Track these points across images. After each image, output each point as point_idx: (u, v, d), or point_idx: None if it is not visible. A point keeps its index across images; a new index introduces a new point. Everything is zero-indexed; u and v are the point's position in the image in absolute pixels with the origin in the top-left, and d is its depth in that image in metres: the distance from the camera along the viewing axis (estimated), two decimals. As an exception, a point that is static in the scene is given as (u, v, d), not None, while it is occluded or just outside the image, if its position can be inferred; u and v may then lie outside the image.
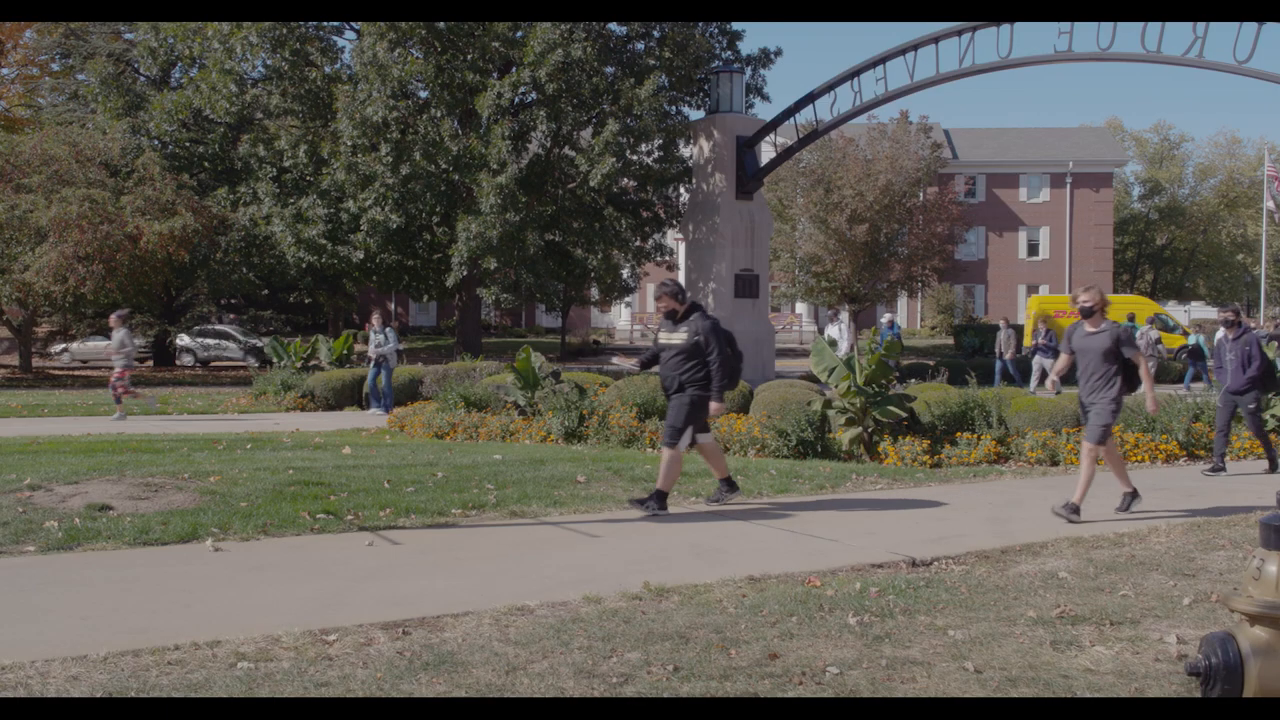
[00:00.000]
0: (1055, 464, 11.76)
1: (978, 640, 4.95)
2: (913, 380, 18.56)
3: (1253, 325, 23.13)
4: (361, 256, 24.83)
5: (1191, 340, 27.17)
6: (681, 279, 25.61)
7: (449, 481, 9.25)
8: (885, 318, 21.10)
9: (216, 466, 9.76)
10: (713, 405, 8.35)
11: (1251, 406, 11.20)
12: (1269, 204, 40.05)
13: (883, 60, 18.28)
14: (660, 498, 8.27)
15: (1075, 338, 8.43)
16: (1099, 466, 8.49)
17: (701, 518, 8.22)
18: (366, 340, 19.26)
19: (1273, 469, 11.24)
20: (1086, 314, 8.30)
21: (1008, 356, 24.93)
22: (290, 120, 25.56)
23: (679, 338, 8.45)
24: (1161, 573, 6.38)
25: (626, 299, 40.37)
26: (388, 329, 18.32)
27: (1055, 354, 21.96)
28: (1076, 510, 8.04)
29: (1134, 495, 8.55)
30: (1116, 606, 5.57)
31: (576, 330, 49.67)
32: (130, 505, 7.86)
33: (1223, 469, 11.07)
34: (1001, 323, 26.15)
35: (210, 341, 36.85)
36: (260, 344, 33.18)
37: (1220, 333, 11.64)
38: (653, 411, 13.60)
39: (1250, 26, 14.05)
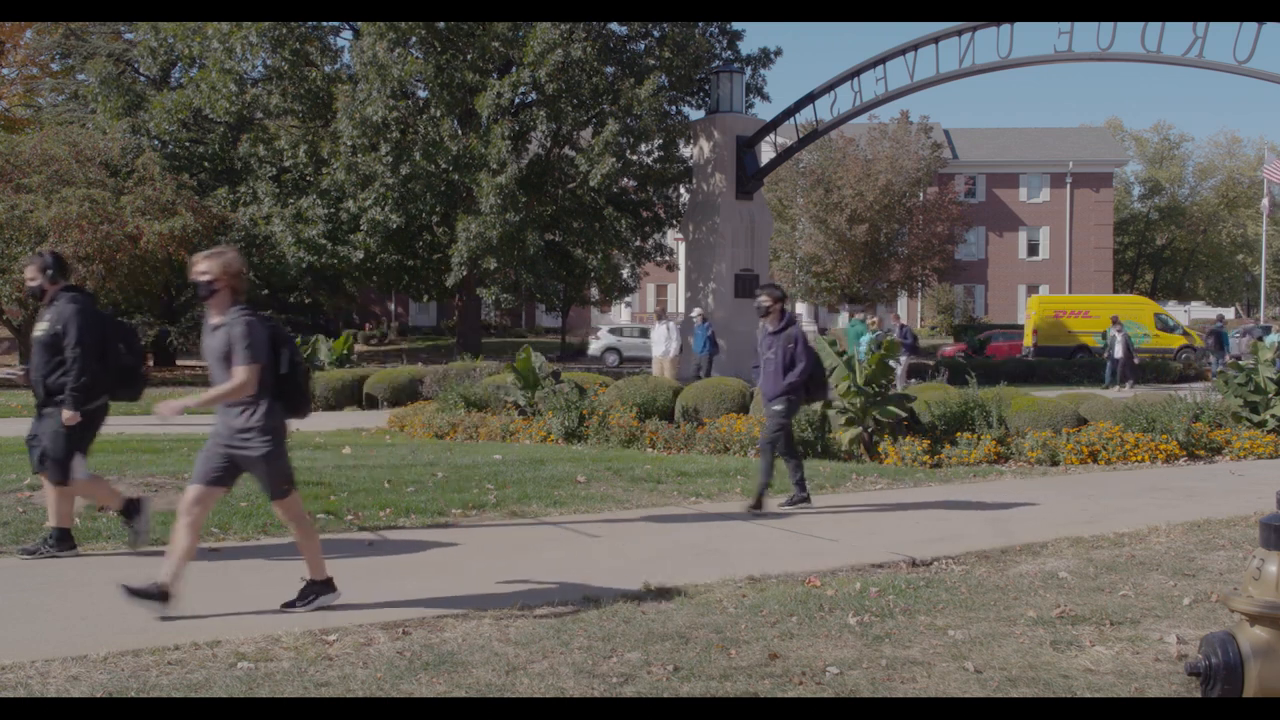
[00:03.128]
0: (1055, 464, 11.76)
1: (978, 640, 4.95)
2: (913, 380, 18.57)
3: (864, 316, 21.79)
4: (361, 256, 24.82)
5: (1214, 329, 27.06)
6: (681, 279, 25.62)
7: (449, 481, 9.25)
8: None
9: (216, 466, 9.73)
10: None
11: (779, 408, 8.58)
12: (1265, 202, 40.09)
13: (883, 60, 18.29)
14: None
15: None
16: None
17: (702, 518, 8.21)
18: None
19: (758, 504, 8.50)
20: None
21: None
22: (290, 120, 25.55)
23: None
24: (1161, 573, 6.38)
25: (626, 299, 40.35)
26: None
27: (910, 350, 21.34)
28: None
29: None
30: (1116, 606, 5.57)
31: (576, 330, 49.66)
32: (130, 505, 7.85)
33: (803, 498, 8.63)
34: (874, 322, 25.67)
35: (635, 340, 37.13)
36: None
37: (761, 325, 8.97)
38: (653, 411, 13.60)
39: (1250, 26, 14.06)
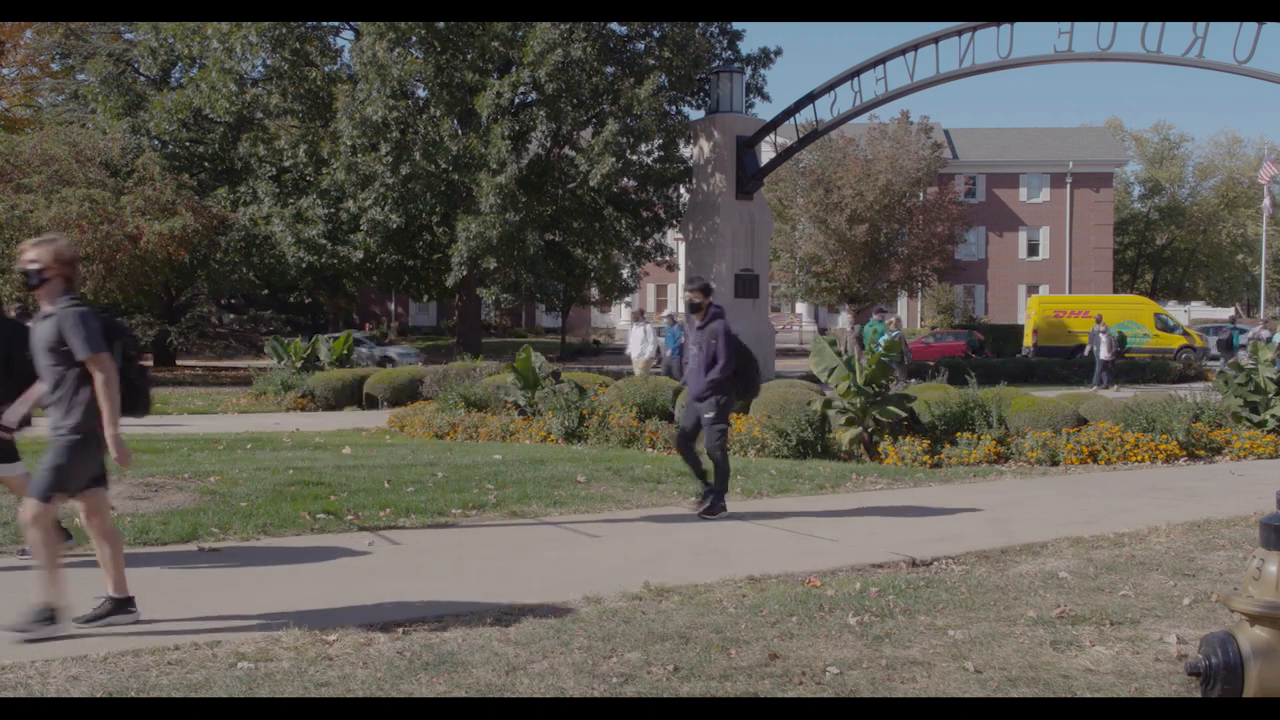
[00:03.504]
0: (1055, 464, 11.75)
1: (978, 640, 4.95)
2: (913, 380, 18.56)
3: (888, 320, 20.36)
4: (361, 256, 24.82)
5: (1226, 330, 26.97)
6: (681, 279, 25.53)
7: (449, 481, 9.25)
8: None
9: (216, 466, 9.76)
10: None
11: (709, 415, 8.16)
12: (1266, 202, 40.07)
13: (883, 60, 18.29)
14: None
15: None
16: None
17: (701, 518, 8.21)
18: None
19: (712, 508, 8.19)
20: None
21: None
22: (290, 120, 25.54)
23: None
24: (1161, 573, 6.38)
25: (626, 299, 40.35)
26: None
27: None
28: None
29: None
30: (1116, 606, 5.57)
31: (576, 330, 49.67)
32: (130, 505, 7.87)
33: (713, 510, 8.12)
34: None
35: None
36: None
37: (684, 320, 8.48)
38: (653, 411, 13.60)
39: (1250, 26, 14.06)
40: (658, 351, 19.25)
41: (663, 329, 19.94)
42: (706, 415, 8.20)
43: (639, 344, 19.17)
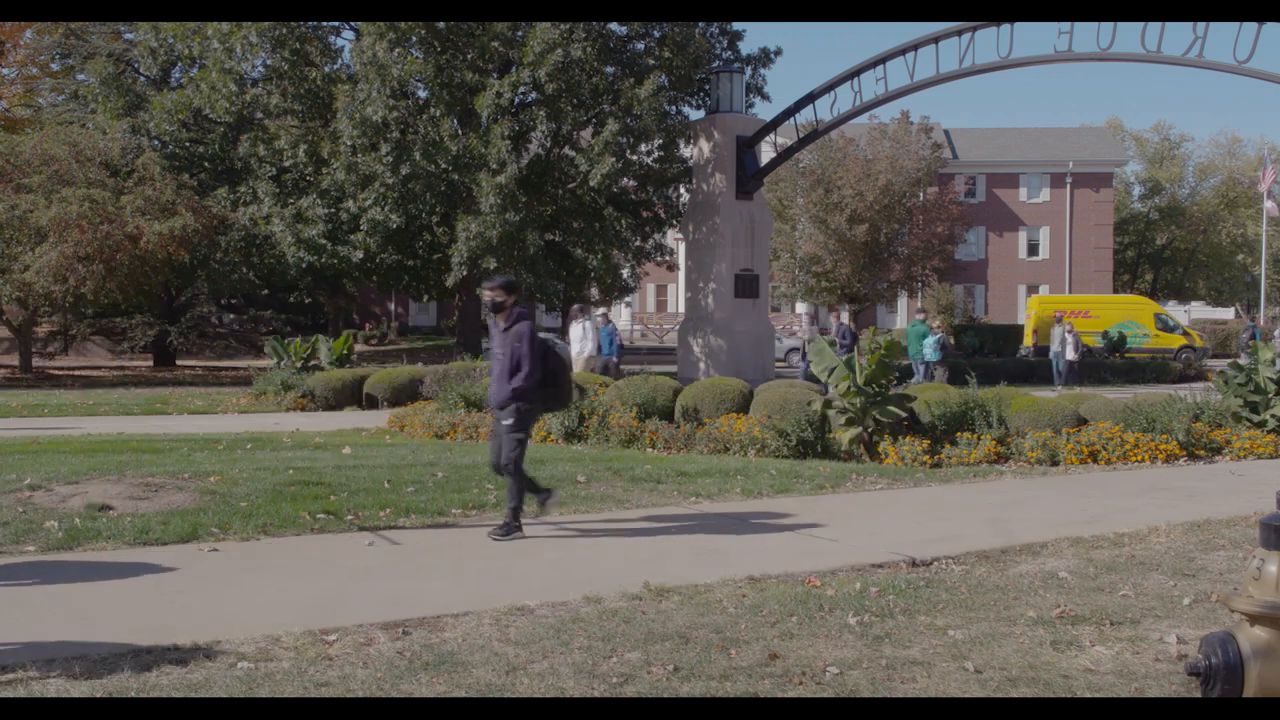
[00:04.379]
0: (1055, 464, 11.75)
1: (978, 640, 4.95)
2: (912, 380, 18.56)
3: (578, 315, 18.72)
4: (361, 256, 24.82)
5: (1248, 328, 26.86)
6: (681, 279, 25.45)
7: (449, 481, 9.25)
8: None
9: (216, 466, 9.76)
10: None
11: (508, 423, 7.40)
12: (1268, 204, 40.05)
13: (883, 60, 18.28)
14: None
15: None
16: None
17: (701, 518, 8.21)
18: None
19: (505, 528, 7.38)
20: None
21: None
22: (290, 120, 25.54)
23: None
24: (1161, 573, 6.38)
25: (626, 299, 40.34)
26: None
27: (848, 351, 19.86)
28: None
29: None
30: (1116, 606, 5.57)
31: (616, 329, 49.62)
32: (130, 505, 7.87)
33: (515, 529, 7.37)
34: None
35: None
36: None
37: (491, 322, 7.78)
38: (653, 411, 13.60)
39: (1250, 26, 14.06)
40: (598, 350, 18.62)
41: (599, 327, 19.35)
42: (505, 422, 7.41)
43: (578, 341, 18.44)
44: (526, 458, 7.68)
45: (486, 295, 7.60)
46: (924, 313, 20.68)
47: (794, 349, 33.10)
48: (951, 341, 23.58)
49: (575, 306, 19.23)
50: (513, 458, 7.40)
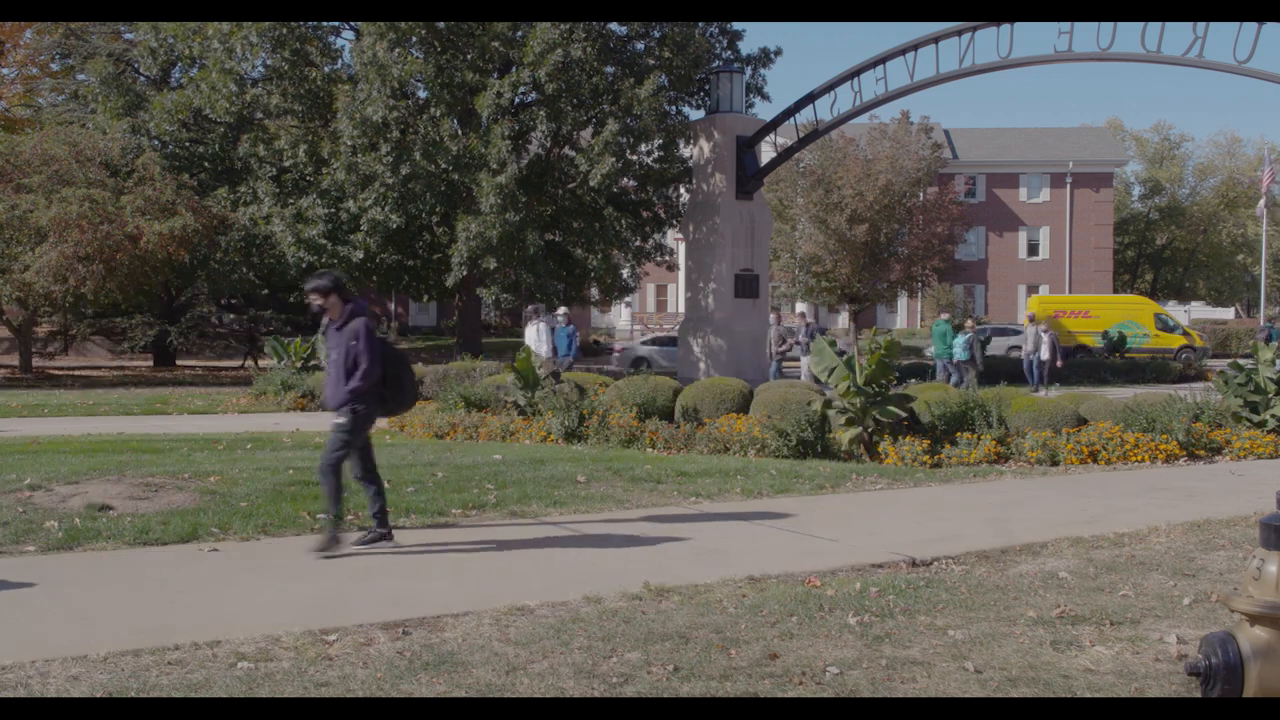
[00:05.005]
0: (1055, 464, 11.75)
1: (978, 640, 4.95)
2: (913, 380, 18.54)
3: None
4: (361, 256, 24.81)
5: (1264, 329, 26.75)
6: (681, 279, 25.38)
7: (449, 481, 9.25)
8: (968, 320, 20.01)
9: (216, 466, 9.76)
10: None
11: (341, 422, 6.90)
12: (1261, 204, 40.10)
13: (883, 60, 18.29)
14: None
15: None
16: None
17: (702, 518, 8.22)
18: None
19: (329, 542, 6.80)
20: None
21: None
22: (290, 120, 25.54)
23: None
24: (1161, 573, 6.38)
25: (626, 299, 40.33)
26: None
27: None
28: None
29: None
30: (1116, 606, 5.57)
31: (577, 330, 49.65)
32: (130, 505, 7.87)
33: (384, 535, 7.02)
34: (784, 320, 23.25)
35: None
36: None
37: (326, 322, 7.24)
38: (653, 411, 13.60)
39: (1250, 26, 14.06)
40: (556, 352, 17.92)
41: (556, 328, 18.79)
42: (337, 421, 6.90)
43: (533, 343, 17.69)
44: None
45: (308, 300, 7.14)
46: (948, 311, 20.49)
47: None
48: (983, 340, 22.90)
49: (530, 308, 18.26)
50: (334, 459, 6.88)
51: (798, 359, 21.86)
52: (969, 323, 23.24)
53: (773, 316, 21.01)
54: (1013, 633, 5.08)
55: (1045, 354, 23.66)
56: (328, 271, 7.73)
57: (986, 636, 5.01)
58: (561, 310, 19.61)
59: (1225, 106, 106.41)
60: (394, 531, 7.19)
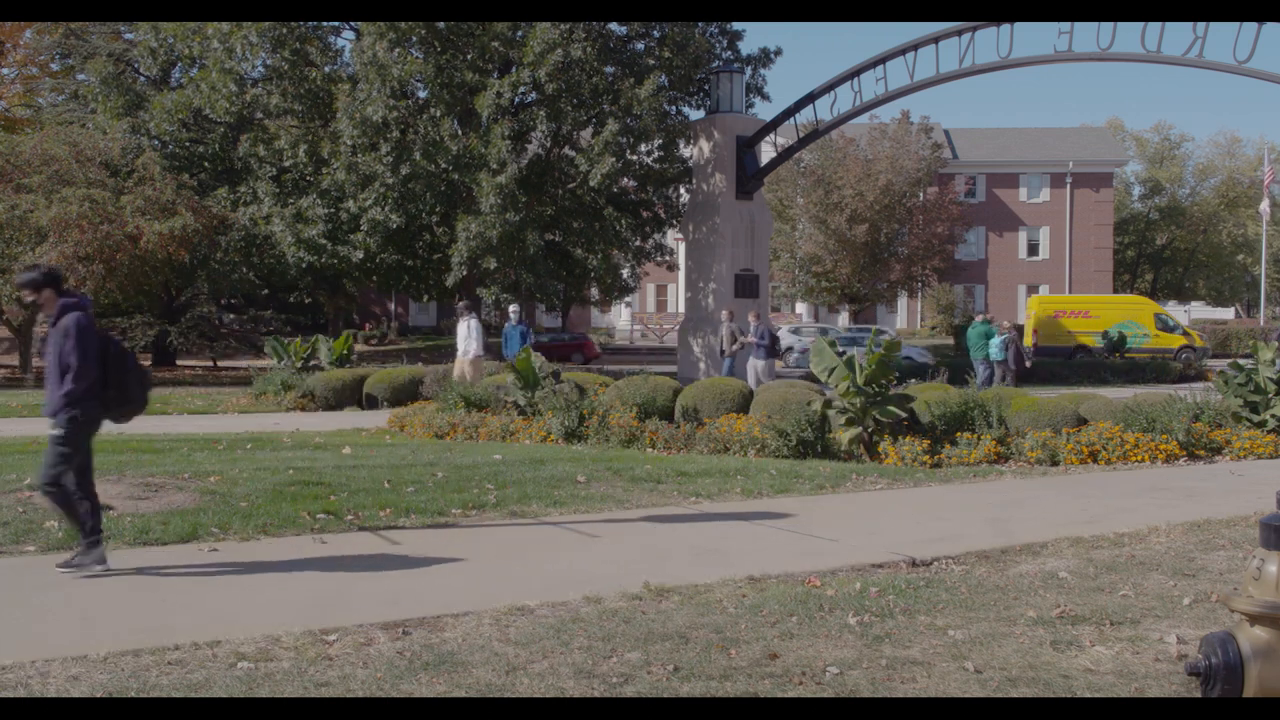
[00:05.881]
0: (1055, 464, 11.75)
1: (978, 640, 4.95)
2: (913, 380, 18.54)
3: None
4: (361, 256, 24.83)
5: (1275, 330, 26.71)
6: (681, 279, 25.40)
7: (449, 481, 9.24)
8: (1004, 321, 19.37)
9: (216, 466, 9.75)
10: None
11: (57, 433, 6.14)
12: (1265, 206, 40.08)
13: (883, 60, 18.30)
14: None
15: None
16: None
17: (702, 518, 8.21)
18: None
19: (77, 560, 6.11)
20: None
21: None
22: (290, 120, 25.55)
23: None
24: (1161, 573, 6.38)
25: (626, 299, 40.35)
26: None
27: (768, 352, 18.62)
28: None
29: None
30: (1116, 606, 5.57)
31: (577, 330, 49.65)
32: (130, 505, 7.86)
33: (96, 560, 6.08)
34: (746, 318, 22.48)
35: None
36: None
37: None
38: (653, 411, 13.60)
39: (1250, 26, 14.07)
40: (487, 351, 17.47)
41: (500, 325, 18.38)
42: (53, 433, 6.14)
43: (463, 340, 17.56)
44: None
45: (20, 295, 6.40)
46: (982, 312, 20.35)
47: (788, 348, 32.96)
48: (1025, 344, 21.96)
49: (461, 304, 17.80)
50: (53, 474, 6.11)
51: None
52: (1005, 324, 23.03)
53: (725, 314, 19.54)
54: (1013, 633, 5.08)
55: (996, 354, 22.71)
56: (40, 265, 7.08)
57: (986, 636, 5.01)
58: (513, 308, 19.08)
59: (1225, 106, 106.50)
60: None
